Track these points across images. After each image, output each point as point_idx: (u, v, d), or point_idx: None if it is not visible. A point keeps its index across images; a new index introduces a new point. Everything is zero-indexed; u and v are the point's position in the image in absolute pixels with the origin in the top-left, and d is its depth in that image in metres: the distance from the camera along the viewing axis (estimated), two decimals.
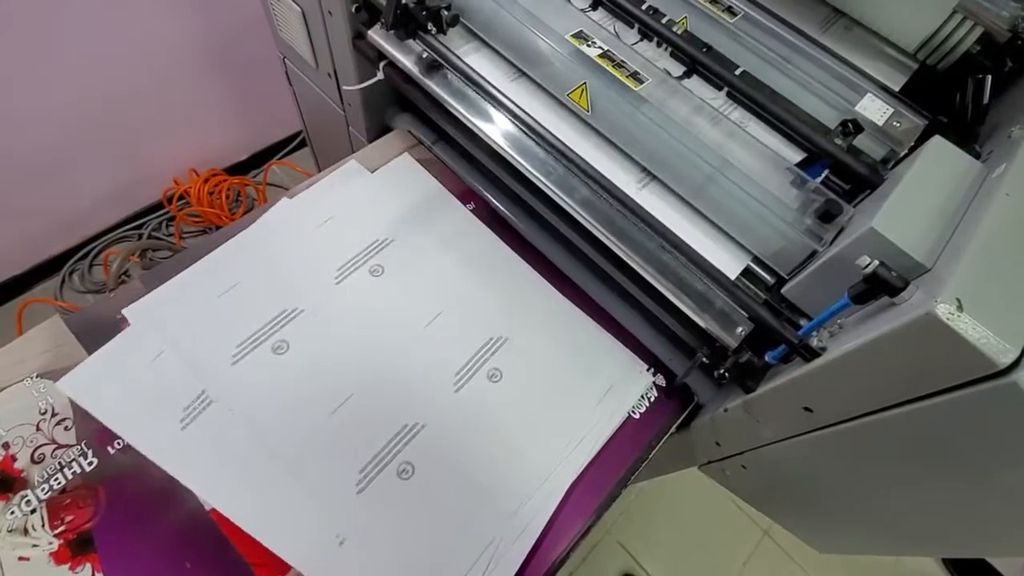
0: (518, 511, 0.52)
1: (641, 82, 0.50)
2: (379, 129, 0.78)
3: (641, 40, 0.57)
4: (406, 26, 0.55)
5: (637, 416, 0.60)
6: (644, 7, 0.54)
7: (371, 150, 0.72)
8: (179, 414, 0.52)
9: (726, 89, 0.54)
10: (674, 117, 0.50)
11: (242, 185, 1.42)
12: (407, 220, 0.64)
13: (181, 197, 1.32)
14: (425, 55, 0.57)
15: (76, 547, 0.47)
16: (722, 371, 0.48)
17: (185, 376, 0.54)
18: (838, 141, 0.49)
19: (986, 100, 0.48)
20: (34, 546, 0.47)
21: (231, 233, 0.63)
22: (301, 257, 0.62)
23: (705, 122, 0.53)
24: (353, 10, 0.62)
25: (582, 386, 0.59)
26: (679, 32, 0.54)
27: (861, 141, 0.51)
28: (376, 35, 0.61)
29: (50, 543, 0.47)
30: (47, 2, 0.90)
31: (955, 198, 0.40)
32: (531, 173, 0.52)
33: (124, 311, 0.57)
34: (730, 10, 0.59)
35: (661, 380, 0.62)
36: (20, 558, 0.46)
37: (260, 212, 0.65)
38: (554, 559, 0.51)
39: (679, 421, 0.61)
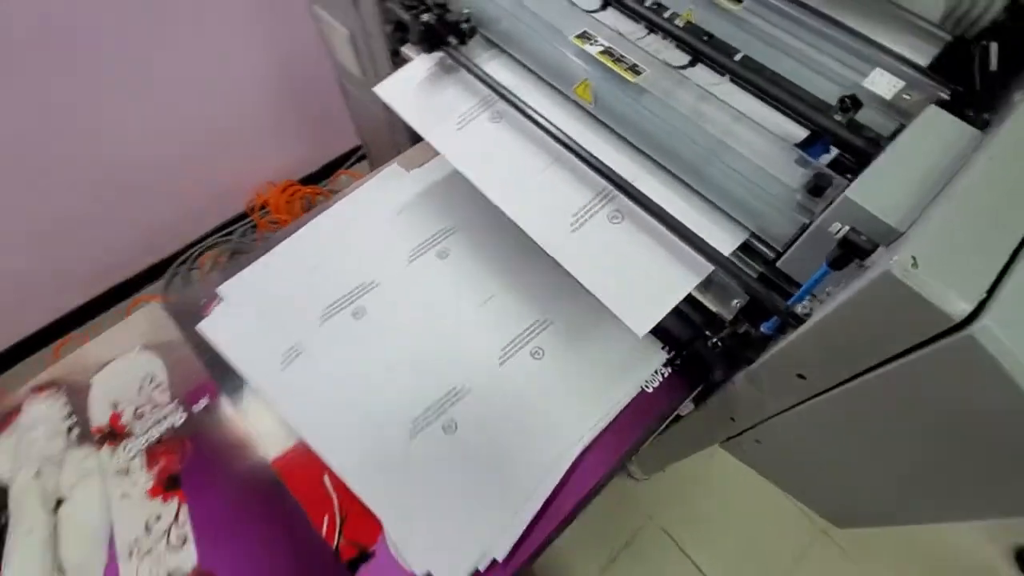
0: (539, 470, 0.57)
1: (639, 73, 0.53)
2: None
3: (648, 35, 0.61)
4: (430, 40, 0.62)
5: (650, 390, 0.62)
6: (648, 3, 0.58)
7: (413, 152, 0.80)
8: (279, 359, 0.63)
9: (728, 75, 0.56)
10: (672, 104, 0.53)
11: (314, 194, 1.57)
12: (465, 209, 0.71)
13: (263, 207, 1.48)
14: (449, 63, 0.63)
15: (167, 485, 0.57)
16: (715, 340, 0.51)
17: (277, 332, 0.64)
18: (837, 117, 0.50)
19: (992, 67, 0.47)
20: (135, 485, 0.58)
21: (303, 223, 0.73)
22: (372, 241, 0.71)
23: (708, 107, 0.55)
24: (390, 31, 0.70)
25: (607, 363, 0.63)
26: (681, 25, 0.57)
27: (871, 117, 0.52)
28: (408, 50, 0.69)
29: (147, 482, 0.58)
30: (152, 43, 1.07)
31: (942, 165, 0.41)
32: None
33: (219, 288, 0.68)
34: None
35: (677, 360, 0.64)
36: (123, 495, 0.57)
37: (320, 210, 0.75)
38: (561, 520, 0.55)
39: (692, 396, 0.63)
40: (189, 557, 0.54)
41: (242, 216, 1.50)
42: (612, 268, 0.53)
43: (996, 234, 0.35)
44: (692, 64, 0.57)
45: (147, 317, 0.67)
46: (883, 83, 0.53)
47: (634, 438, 0.60)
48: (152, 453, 0.59)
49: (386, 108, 0.87)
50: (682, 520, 1.16)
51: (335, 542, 0.55)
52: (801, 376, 0.47)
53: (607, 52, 0.55)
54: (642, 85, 0.53)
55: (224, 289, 0.68)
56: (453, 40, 0.62)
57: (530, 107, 0.56)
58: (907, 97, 0.52)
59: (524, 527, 0.54)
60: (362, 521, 0.55)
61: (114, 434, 0.60)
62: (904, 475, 0.47)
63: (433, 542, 0.54)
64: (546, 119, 0.55)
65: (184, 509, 0.56)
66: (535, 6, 0.61)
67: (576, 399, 0.61)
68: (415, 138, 0.85)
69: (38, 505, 0.56)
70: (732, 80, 0.55)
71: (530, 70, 0.61)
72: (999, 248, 0.35)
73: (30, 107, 1.02)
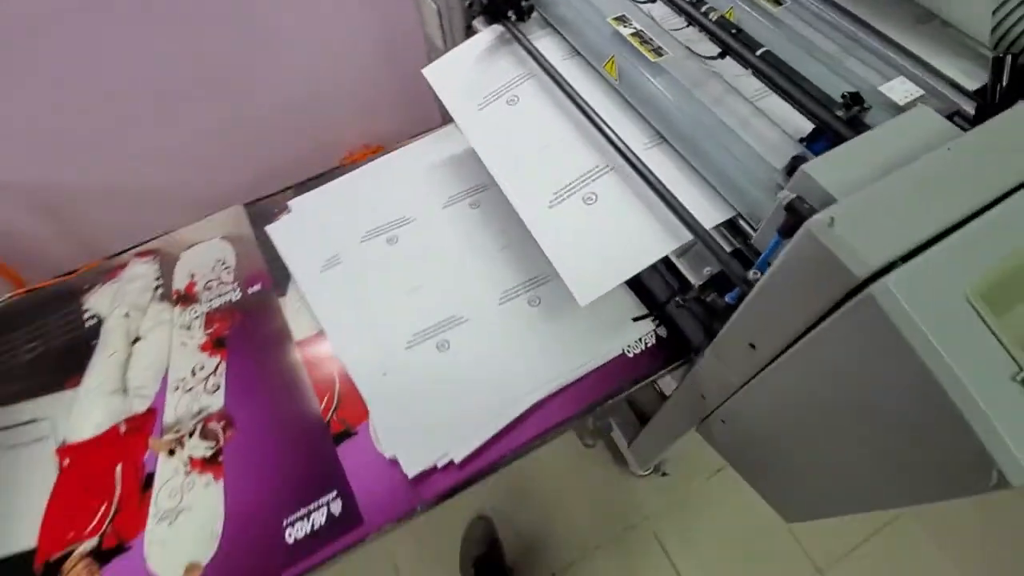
0: (509, 398, 0.63)
1: (661, 55, 0.59)
2: None
3: (687, 27, 0.66)
4: (492, 12, 0.70)
5: (631, 355, 0.67)
6: None
7: None
8: (320, 264, 0.75)
9: (751, 70, 0.59)
10: (686, 85, 0.58)
11: None
12: None
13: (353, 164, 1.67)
14: (500, 44, 0.72)
15: (215, 344, 0.71)
16: (681, 300, 0.54)
17: (324, 243, 0.77)
18: (839, 113, 0.52)
19: (1004, 82, 0.47)
20: (192, 338, 0.71)
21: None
22: (417, 185, 0.82)
23: (724, 95, 0.59)
24: (467, 5, 0.80)
25: (596, 323, 0.68)
26: (714, 19, 0.61)
27: (879, 119, 0.53)
28: (478, 24, 0.78)
29: (201, 338, 0.71)
30: (283, 5, 1.27)
31: (907, 153, 0.43)
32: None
33: (290, 202, 0.82)
34: (777, 1, 0.64)
35: (664, 331, 0.68)
36: (182, 343, 0.71)
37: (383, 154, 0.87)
38: (518, 445, 0.61)
39: (670, 368, 0.66)
40: (218, 401, 0.66)
41: (334, 169, 1.69)
42: (573, 243, 0.59)
43: (929, 212, 0.37)
44: (721, 56, 0.61)
45: (231, 216, 0.82)
46: (900, 90, 0.54)
47: (603, 392, 0.65)
48: (210, 317, 0.73)
49: None
50: (677, 529, 1.15)
51: (328, 417, 0.65)
52: (752, 345, 0.50)
53: (637, 34, 0.61)
54: (662, 65, 0.58)
55: (293, 203, 0.82)
56: (512, 15, 0.70)
57: (561, 76, 0.63)
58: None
59: (482, 442, 0.61)
60: (353, 407, 0.65)
61: (186, 297, 0.75)
62: (839, 460, 0.48)
63: (405, 435, 0.62)
64: (571, 86, 0.62)
65: (223, 365, 0.69)
66: None
67: (559, 347, 0.67)
68: None
69: (122, 337, 0.72)
70: (754, 74, 0.59)
71: (575, 50, 0.68)
72: (926, 224, 0.37)
73: (187, 53, 1.24)
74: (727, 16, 0.63)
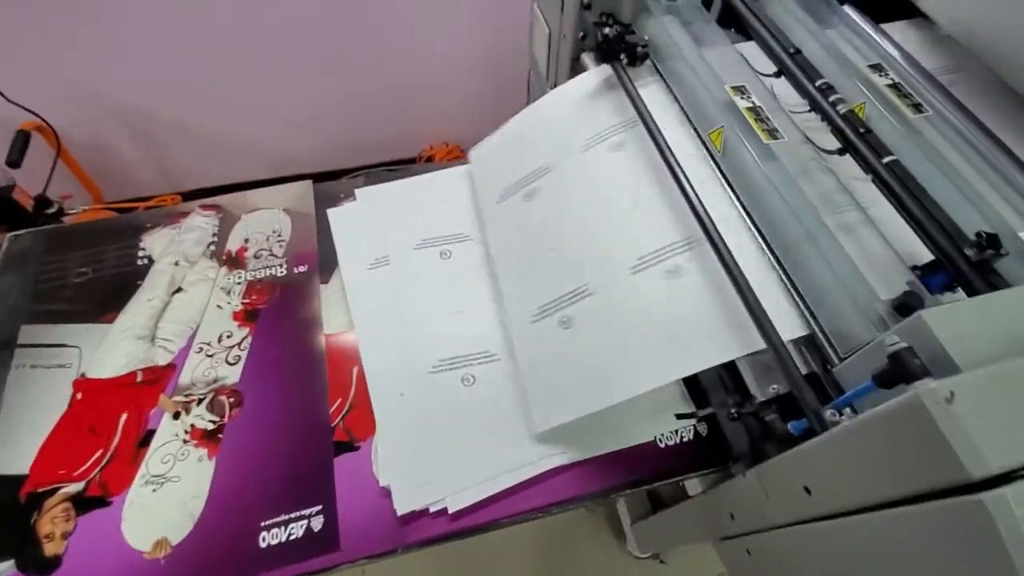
0: (521, 458, 0.59)
1: (776, 138, 0.53)
2: None
3: (810, 111, 0.60)
4: (604, 51, 0.67)
5: (662, 445, 0.61)
6: (819, 83, 0.57)
7: None
8: (370, 261, 0.73)
9: (872, 176, 0.53)
10: (795, 179, 0.52)
11: None
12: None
13: (429, 159, 1.67)
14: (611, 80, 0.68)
15: (247, 316, 0.70)
16: (735, 412, 0.48)
17: (379, 240, 0.75)
18: (968, 252, 0.45)
19: None
20: (228, 303, 0.71)
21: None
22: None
23: (835, 195, 0.53)
24: (580, 36, 0.77)
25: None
26: (841, 111, 0.55)
27: (1013, 269, 0.46)
28: (586, 57, 0.75)
29: (237, 305, 0.70)
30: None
31: None
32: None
33: (357, 190, 0.81)
34: (917, 107, 0.57)
35: (704, 429, 0.62)
36: (218, 306, 0.70)
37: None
38: (518, 512, 0.57)
39: (701, 473, 0.60)
40: (235, 374, 0.65)
41: (411, 160, 1.70)
42: (548, 365, 0.58)
43: None
44: (841, 152, 0.55)
45: (299, 189, 0.82)
46: None
47: (622, 479, 0.59)
48: (251, 287, 0.72)
49: None
50: None
51: (336, 422, 0.62)
52: (807, 490, 0.43)
53: (753, 109, 0.56)
54: (773, 149, 0.53)
55: (360, 192, 0.80)
56: (624, 58, 0.66)
57: (663, 137, 0.59)
58: None
59: (482, 497, 0.57)
60: (363, 418, 0.62)
61: (235, 260, 0.75)
62: None
63: (405, 467, 0.58)
64: (671, 151, 0.57)
65: (249, 339, 0.68)
66: (712, 55, 0.63)
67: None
68: None
69: (165, 284, 0.72)
70: (874, 181, 0.52)
71: (680, 106, 0.64)
72: None
73: (315, 23, 1.28)
74: (857, 111, 0.57)
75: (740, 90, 0.57)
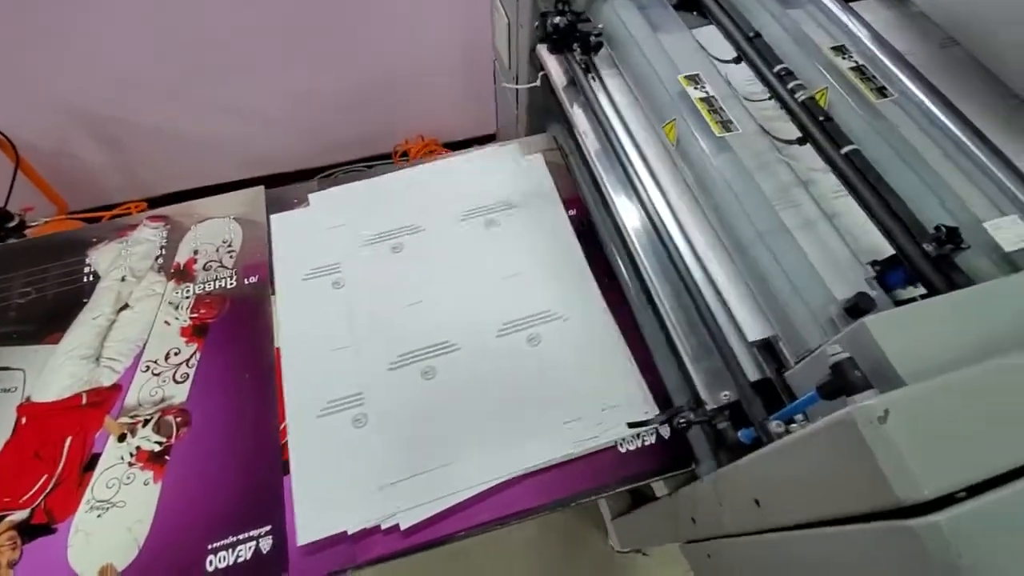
0: (479, 466, 0.57)
1: (728, 130, 0.50)
2: (536, 130, 0.89)
3: (771, 99, 0.57)
4: (557, 41, 0.64)
5: (623, 450, 0.59)
6: (777, 69, 0.54)
7: (518, 144, 0.84)
8: (307, 270, 0.70)
9: (832, 168, 0.50)
10: (749, 172, 0.49)
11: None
12: (525, 198, 0.74)
13: (404, 154, 1.63)
14: (566, 73, 0.65)
15: (196, 331, 0.67)
16: (682, 421, 0.46)
17: (324, 249, 0.72)
18: (927, 247, 0.42)
19: None
20: (176, 319, 0.68)
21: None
22: (438, 195, 0.76)
23: (793, 188, 0.51)
24: (535, 26, 0.73)
25: (592, 393, 0.60)
26: (800, 99, 0.52)
27: (974, 263, 0.44)
28: (541, 49, 0.71)
29: (185, 321, 0.68)
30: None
31: (1014, 339, 0.33)
32: (608, 193, 0.57)
33: (310, 195, 0.78)
34: (881, 90, 0.54)
35: (667, 432, 0.60)
36: (165, 322, 0.68)
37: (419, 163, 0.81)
38: (474, 524, 0.55)
39: (664, 477, 0.58)
40: (182, 392, 0.63)
41: (387, 155, 1.67)
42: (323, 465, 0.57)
43: (1019, 436, 0.28)
44: (800, 143, 0.53)
45: (250, 196, 0.79)
46: (1011, 232, 0.44)
47: (582, 488, 0.57)
48: (199, 300, 0.70)
49: (518, 103, 0.92)
50: None
51: (284, 440, 0.60)
52: (757, 502, 0.41)
53: (707, 100, 0.53)
54: (728, 141, 0.50)
55: (313, 197, 0.78)
56: (576, 47, 0.63)
57: (615, 135, 0.56)
58: None
59: (435, 513, 0.55)
60: None
61: (184, 273, 0.72)
62: None
63: (316, 492, 0.56)
64: (628, 156, 0.55)
65: (197, 356, 0.66)
66: (669, 41, 0.60)
67: (548, 417, 0.60)
68: (535, 132, 0.88)
69: (111, 301, 0.69)
70: (834, 173, 0.49)
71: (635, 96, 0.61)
72: (1018, 447, 0.28)
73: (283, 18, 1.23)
74: (817, 98, 0.54)
75: (694, 79, 0.54)
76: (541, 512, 0.56)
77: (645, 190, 0.53)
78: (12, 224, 1.09)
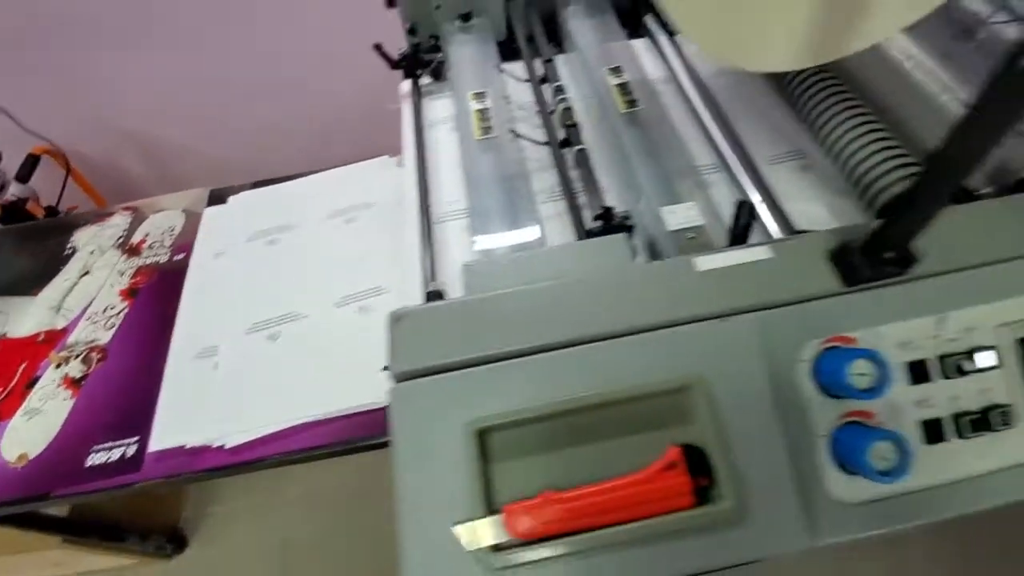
0: (307, 397, 0.70)
1: (488, 135, 0.62)
2: None
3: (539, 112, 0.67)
4: (406, 68, 0.78)
5: None
6: (555, 85, 0.66)
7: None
8: (211, 253, 0.88)
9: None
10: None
11: None
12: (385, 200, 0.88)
13: None
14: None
15: (130, 293, 0.87)
16: None
17: (227, 238, 0.90)
18: (591, 225, 0.51)
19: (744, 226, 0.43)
20: (119, 283, 0.88)
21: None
22: (315, 199, 0.92)
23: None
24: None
25: None
26: (561, 108, 0.63)
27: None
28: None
29: (125, 283, 0.88)
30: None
31: (554, 274, 0.42)
32: None
33: (230, 197, 0.97)
34: (631, 103, 0.63)
35: None
36: (110, 284, 0.88)
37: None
38: (285, 450, 0.68)
39: None
40: (108, 337, 0.82)
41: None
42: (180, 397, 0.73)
43: (504, 334, 0.37)
44: (547, 144, 0.63)
45: (197, 194, 0.99)
46: (681, 215, 0.52)
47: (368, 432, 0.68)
48: (139, 270, 0.89)
49: None
50: None
51: None
52: None
53: (482, 111, 0.65)
54: (488, 142, 0.62)
55: (232, 199, 0.96)
56: (420, 74, 0.77)
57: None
58: (691, 237, 0.51)
59: (255, 437, 0.68)
60: None
61: (134, 250, 0.92)
62: None
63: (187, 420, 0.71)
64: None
65: (125, 311, 0.84)
66: (480, 67, 0.73)
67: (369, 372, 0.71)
68: None
69: (78, 269, 0.91)
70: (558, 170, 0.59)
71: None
72: (487, 344, 0.37)
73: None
74: (572, 109, 0.64)
75: (480, 96, 0.67)
76: (337, 448, 0.68)
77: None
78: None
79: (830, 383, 0.35)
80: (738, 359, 0.35)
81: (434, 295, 0.45)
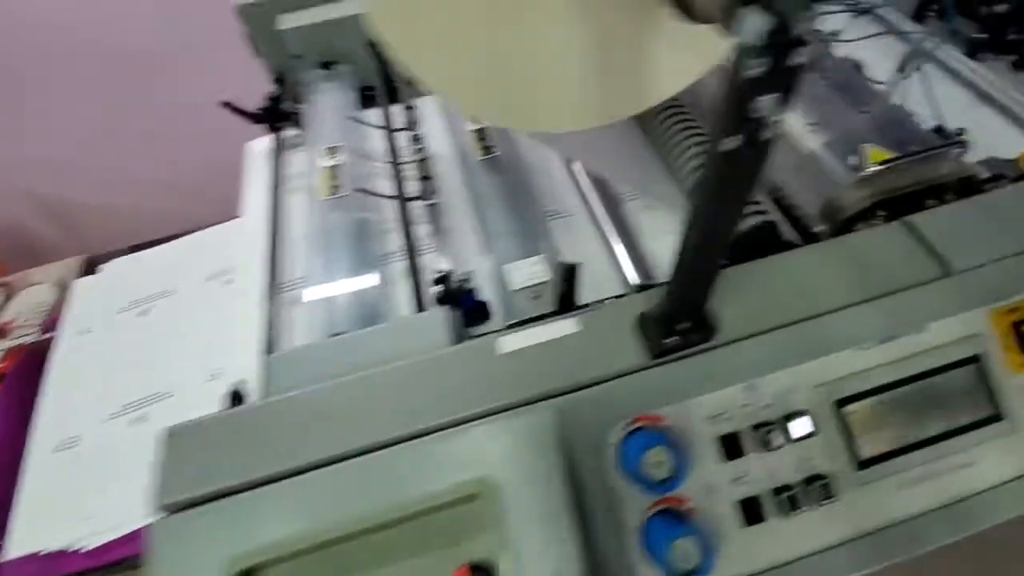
0: None
1: (333, 195, 0.58)
2: None
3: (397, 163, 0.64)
4: (268, 119, 0.74)
5: None
6: (413, 133, 0.63)
7: None
8: (77, 330, 0.82)
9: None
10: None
11: None
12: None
13: None
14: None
15: None
16: None
17: (97, 311, 0.84)
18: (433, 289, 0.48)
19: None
20: None
21: None
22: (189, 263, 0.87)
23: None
24: None
25: None
26: (417, 157, 0.60)
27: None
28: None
29: None
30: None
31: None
32: None
33: (102, 266, 0.90)
34: (488, 149, 0.61)
35: None
36: None
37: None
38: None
39: None
40: None
41: None
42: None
43: (282, 451, 0.34)
44: (399, 199, 0.60)
45: (69, 264, 0.93)
46: (525, 272, 0.49)
47: None
48: (8, 353, 0.83)
49: None
50: None
51: None
52: None
53: (332, 168, 0.61)
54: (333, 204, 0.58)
55: (104, 267, 0.90)
56: (281, 125, 0.73)
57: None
58: (535, 297, 0.48)
59: (117, 536, 0.63)
60: None
61: (2, 331, 0.86)
62: None
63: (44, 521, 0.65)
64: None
65: None
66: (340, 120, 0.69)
67: None
68: None
69: None
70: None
71: None
72: (265, 464, 0.33)
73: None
74: (429, 161, 0.61)
75: (332, 150, 0.63)
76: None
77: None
78: None
79: (632, 472, 0.32)
80: (533, 455, 0.32)
81: (236, 397, 0.41)
